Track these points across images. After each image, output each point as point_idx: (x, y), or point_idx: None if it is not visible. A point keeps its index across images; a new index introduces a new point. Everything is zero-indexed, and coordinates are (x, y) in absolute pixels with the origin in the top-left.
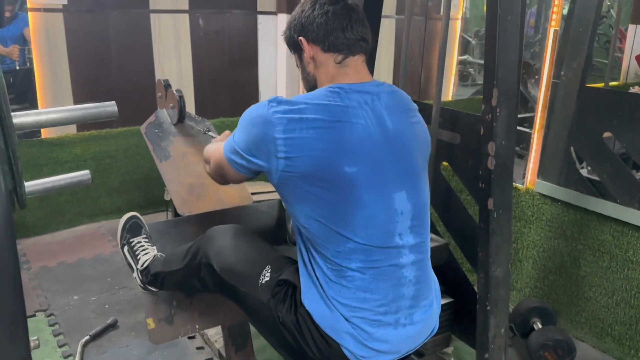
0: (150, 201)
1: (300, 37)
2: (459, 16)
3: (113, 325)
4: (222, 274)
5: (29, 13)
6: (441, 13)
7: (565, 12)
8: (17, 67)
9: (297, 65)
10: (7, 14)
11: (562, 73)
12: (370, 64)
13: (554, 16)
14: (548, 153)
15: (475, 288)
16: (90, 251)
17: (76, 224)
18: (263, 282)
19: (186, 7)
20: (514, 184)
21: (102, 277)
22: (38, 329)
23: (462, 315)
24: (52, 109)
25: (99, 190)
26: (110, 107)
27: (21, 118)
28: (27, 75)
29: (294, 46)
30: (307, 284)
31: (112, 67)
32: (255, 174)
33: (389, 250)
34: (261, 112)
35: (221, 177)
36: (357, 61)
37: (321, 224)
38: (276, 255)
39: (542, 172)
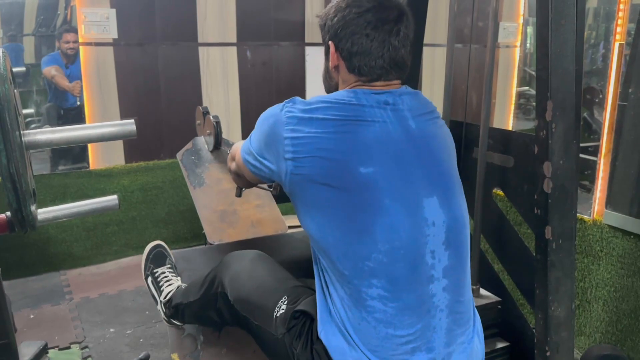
0: (196, 233)
1: (330, 42)
2: (517, 44)
3: None
4: (235, 303)
5: (81, 47)
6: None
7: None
8: (78, 103)
9: (324, 54)
10: (73, 46)
11: (630, 91)
12: (413, 84)
13: (619, 29)
14: (617, 180)
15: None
16: (132, 283)
17: (122, 255)
18: (278, 314)
19: (234, 40)
20: (578, 215)
21: (140, 310)
22: None
23: None
24: (67, 127)
25: (145, 222)
26: (128, 125)
27: (34, 136)
28: (82, 112)
29: (324, 40)
30: (324, 314)
31: (161, 100)
32: (268, 179)
33: (417, 273)
34: (274, 112)
35: (239, 177)
36: (388, 82)
37: (337, 237)
38: (296, 284)
39: (611, 202)
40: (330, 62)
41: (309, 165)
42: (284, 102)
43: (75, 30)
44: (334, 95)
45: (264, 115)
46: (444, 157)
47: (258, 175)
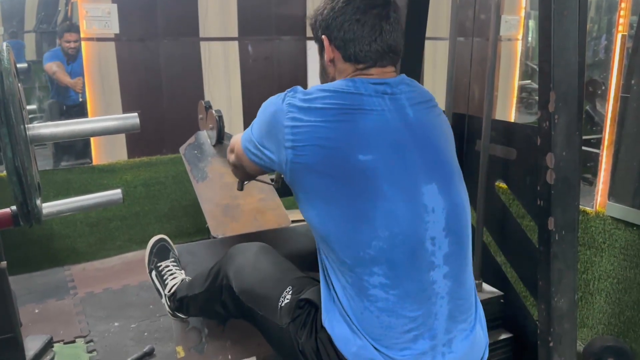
0: (199, 228)
1: (323, 36)
2: (519, 37)
3: (150, 354)
4: (241, 295)
5: (83, 43)
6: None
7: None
8: (80, 100)
9: (318, 53)
10: (74, 45)
11: (632, 83)
12: (415, 78)
13: (621, 20)
14: (620, 172)
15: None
16: (136, 277)
17: (125, 250)
18: (283, 304)
19: (235, 35)
20: (581, 207)
21: (144, 304)
22: (76, 355)
23: (523, 353)
24: (71, 121)
25: (149, 217)
26: (132, 119)
27: (37, 130)
28: (84, 108)
29: (317, 38)
30: (327, 303)
31: (163, 95)
32: (269, 169)
33: (417, 260)
34: (275, 101)
35: (238, 168)
36: (383, 68)
37: (337, 225)
38: (300, 275)
39: (614, 193)
40: (325, 56)
41: (308, 153)
42: (285, 91)
43: (76, 30)
44: (333, 84)
45: (265, 104)
46: (442, 145)
47: (259, 165)
